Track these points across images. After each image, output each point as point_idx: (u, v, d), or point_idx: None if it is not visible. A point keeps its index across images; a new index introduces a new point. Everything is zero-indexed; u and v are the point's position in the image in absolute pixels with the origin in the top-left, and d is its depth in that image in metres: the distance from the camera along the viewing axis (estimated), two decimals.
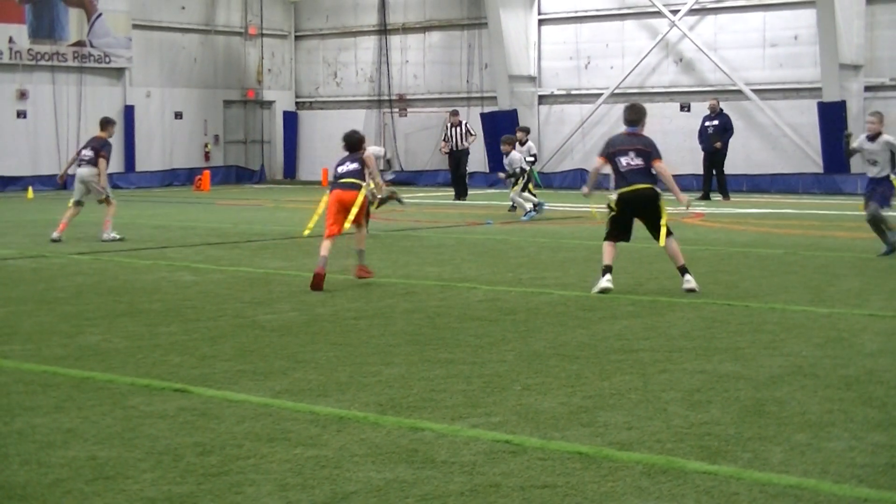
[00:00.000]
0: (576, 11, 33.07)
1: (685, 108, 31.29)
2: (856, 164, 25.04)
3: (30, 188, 30.71)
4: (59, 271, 13.47)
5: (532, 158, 22.28)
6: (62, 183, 20.80)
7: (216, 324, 9.65)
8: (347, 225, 12.11)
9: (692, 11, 30.90)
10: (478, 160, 32.45)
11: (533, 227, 19.76)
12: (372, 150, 18.10)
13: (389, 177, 33.44)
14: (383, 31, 36.84)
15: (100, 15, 33.21)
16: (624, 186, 11.52)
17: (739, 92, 30.09)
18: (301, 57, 39.14)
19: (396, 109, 36.62)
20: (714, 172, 27.01)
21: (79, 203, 17.51)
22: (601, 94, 32.32)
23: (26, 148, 32.21)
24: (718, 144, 26.83)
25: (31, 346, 8.65)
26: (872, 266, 13.57)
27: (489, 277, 12.67)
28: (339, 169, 12.46)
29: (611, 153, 11.68)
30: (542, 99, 33.91)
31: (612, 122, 30.81)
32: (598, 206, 12.67)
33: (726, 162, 27.23)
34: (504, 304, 10.71)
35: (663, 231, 11.43)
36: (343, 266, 13.30)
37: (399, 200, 18.01)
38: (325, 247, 11.94)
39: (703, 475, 5.28)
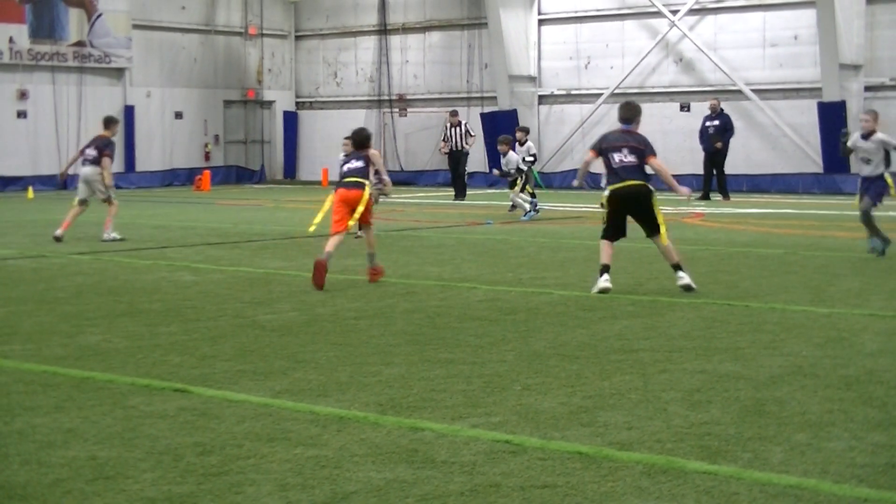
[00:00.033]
0: (576, 11, 33.08)
1: (685, 108, 31.30)
2: (855, 164, 25.03)
3: (30, 188, 30.71)
4: (60, 271, 13.47)
5: (532, 158, 22.28)
6: (63, 181, 20.83)
7: (216, 324, 9.65)
8: (352, 223, 12.18)
9: (692, 11, 30.91)
10: (478, 160, 32.46)
11: (533, 227, 19.76)
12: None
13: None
14: (383, 31, 36.85)
15: (100, 15, 33.23)
16: (616, 183, 11.49)
17: (739, 92, 30.09)
18: (301, 57, 39.15)
19: (396, 109, 36.63)
20: (714, 172, 27.02)
21: (83, 202, 17.53)
22: (601, 94, 32.33)
23: (26, 148, 32.22)
24: (719, 144, 26.83)
25: (31, 345, 8.65)
26: (872, 266, 13.57)
27: (489, 277, 12.67)
28: (344, 167, 12.54)
29: (603, 148, 11.66)
30: (542, 99, 33.91)
31: (612, 122, 30.49)
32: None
33: (726, 162, 27.24)
34: (504, 304, 10.71)
35: (663, 230, 11.42)
36: (343, 266, 13.31)
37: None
38: (332, 243, 12.04)
39: (703, 475, 5.28)
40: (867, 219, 14.26)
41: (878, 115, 14.75)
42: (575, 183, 12.54)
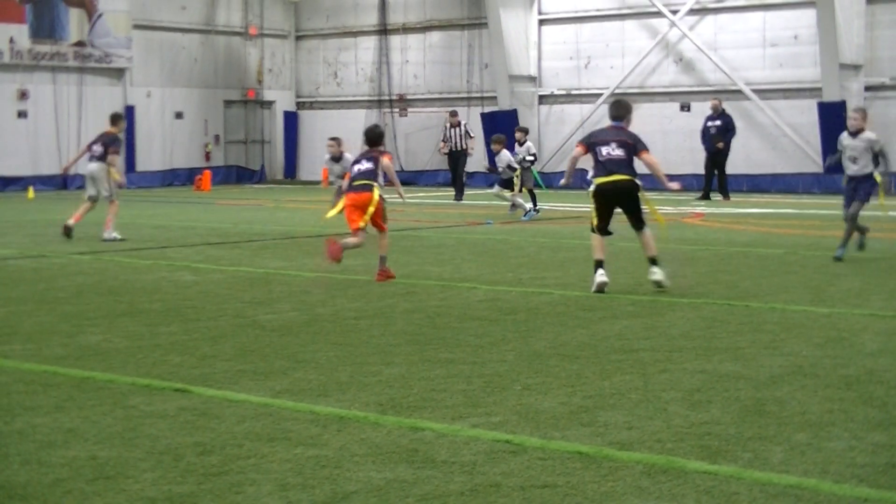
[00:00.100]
0: (576, 11, 33.07)
1: (685, 108, 31.29)
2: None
3: (30, 188, 30.70)
4: (60, 271, 13.47)
5: (532, 158, 22.28)
6: (65, 172, 20.98)
7: (216, 324, 9.65)
8: (363, 224, 12.26)
9: (692, 11, 30.90)
10: (477, 160, 32.45)
11: (533, 227, 19.77)
12: (348, 157, 18.21)
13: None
14: (383, 31, 36.85)
15: (100, 15, 33.22)
16: (603, 175, 11.48)
17: (739, 92, 30.09)
18: (301, 57, 39.14)
19: (397, 109, 36.63)
20: (716, 172, 27.02)
21: (92, 198, 17.56)
22: (601, 94, 32.31)
23: (27, 148, 32.21)
24: (721, 144, 26.84)
25: (31, 345, 8.65)
26: (872, 266, 13.57)
27: (489, 277, 12.67)
28: (354, 168, 12.62)
29: (592, 143, 11.67)
30: (543, 99, 33.91)
31: None
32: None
33: (727, 162, 27.24)
34: (504, 303, 10.71)
35: (659, 217, 11.56)
36: (343, 266, 13.31)
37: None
38: (352, 240, 12.33)
39: (704, 475, 5.28)
40: (853, 223, 14.13)
41: (867, 113, 14.69)
42: (563, 182, 12.60)
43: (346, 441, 5.89)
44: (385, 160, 12.56)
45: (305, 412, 6.51)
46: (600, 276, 11.34)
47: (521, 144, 22.42)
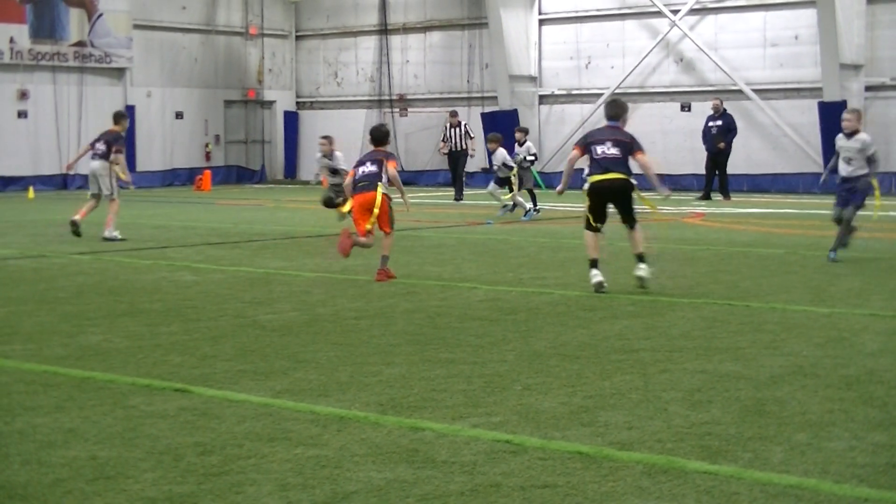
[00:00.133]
0: (576, 11, 33.06)
1: (686, 107, 31.27)
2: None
3: (30, 188, 30.70)
4: (60, 271, 13.47)
5: (532, 158, 22.29)
6: (67, 171, 21.07)
7: (217, 324, 9.65)
8: (368, 226, 12.29)
9: (692, 11, 30.89)
10: (477, 160, 32.45)
11: (533, 227, 19.77)
12: (339, 155, 18.34)
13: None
14: (384, 31, 36.84)
15: (100, 15, 33.21)
16: (598, 174, 11.46)
17: (740, 92, 30.08)
18: (302, 57, 39.14)
19: (397, 109, 36.62)
20: (717, 172, 27.01)
21: (95, 196, 17.57)
22: (602, 94, 32.26)
23: (27, 148, 32.21)
24: (722, 145, 26.83)
25: (31, 345, 8.65)
26: (872, 266, 13.58)
27: (490, 277, 12.67)
28: (359, 170, 12.63)
29: (588, 143, 11.66)
30: (543, 99, 33.90)
31: None
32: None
33: (727, 162, 27.23)
34: (505, 303, 10.71)
35: (649, 203, 11.75)
36: (344, 266, 13.32)
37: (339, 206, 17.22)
38: (363, 239, 12.44)
39: (704, 475, 5.28)
40: (847, 226, 14.10)
41: (861, 114, 14.69)
42: (558, 189, 12.16)
43: (347, 441, 5.89)
44: (391, 169, 12.55)
45: (306, 412, 6.51)
46: (596, 275, 11.35)
47: (521, 144, 22.41)
